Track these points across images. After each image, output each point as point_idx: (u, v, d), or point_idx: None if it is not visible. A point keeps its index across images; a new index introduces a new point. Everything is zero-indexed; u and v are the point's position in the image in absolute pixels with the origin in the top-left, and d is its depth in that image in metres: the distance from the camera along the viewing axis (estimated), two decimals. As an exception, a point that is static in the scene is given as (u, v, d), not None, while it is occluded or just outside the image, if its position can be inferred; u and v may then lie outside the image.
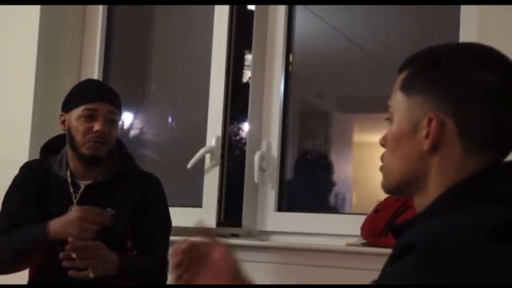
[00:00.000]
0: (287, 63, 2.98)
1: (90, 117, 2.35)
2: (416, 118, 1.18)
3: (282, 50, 2.95)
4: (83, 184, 2.39)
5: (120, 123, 3.37)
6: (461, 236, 1.02)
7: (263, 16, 2.99)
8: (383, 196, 2.58)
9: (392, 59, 2.88)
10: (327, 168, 3.11)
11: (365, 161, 3.27)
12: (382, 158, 1.26)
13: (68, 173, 2.40)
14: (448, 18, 2.67)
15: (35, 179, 2.41)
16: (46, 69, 3.17)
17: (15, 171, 2.49)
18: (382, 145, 1.27)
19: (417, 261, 1.01)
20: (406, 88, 1.21)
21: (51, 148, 2.48)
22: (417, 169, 1.18)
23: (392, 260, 1.07)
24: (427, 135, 1.16)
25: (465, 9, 2.55)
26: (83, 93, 2.40)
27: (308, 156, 3.23)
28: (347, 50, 3.10)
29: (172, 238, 2.49)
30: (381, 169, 1.26)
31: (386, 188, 1.26)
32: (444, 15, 2.76)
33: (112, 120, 2.40)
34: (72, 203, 2.36)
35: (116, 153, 2.46)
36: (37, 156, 2.52)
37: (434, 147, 1.16)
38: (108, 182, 2.39)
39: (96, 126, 2.34)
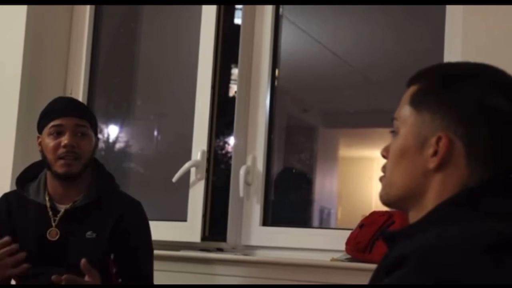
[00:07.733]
0: (273, 78, 2.99)
1: (58, 133, 2.33)
2: (424, 135, 1.18)
3: (268, 64, 2.96)
4: (62, 208, 2.36)
5: (104, 136, 3.40)
6: (455, 249, 1.02)
7: (249, 30, 2.99)
8: (368, 211, 2.58)
9: (377, 74, 2.90)
10: (312, 183, 3.11)
11: (351, 176, 3.27)
12: (384, 169, 1.26)
13: (47, 197, 2.37)
14: (433, 34, 2.68)
15: (11, 211, 2.39)
16: (30, 85, 3.15)
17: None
18: (384, 156, 1.27)
19: (408, 274, 1.01)
20: (416, 103, 1.20)
21: (27, 176, 2.44)
22: (419, 185, 1.19)
23: (381, 274, 1.06)
24: (434, 153, 1.16)
25: (449, 18, 2.56)
26: (51, 111, 2.38)
27: (294, 170, 3.23)
28: (332, 65, 3.11)
29: (157, 252, 2.48)
30: (381, 179, 1.26)
31: (385, 199, 1.26)
32: (428, 30, 2.78)
33: (82, 133, 2.35)
34: (51, 226, 2.33)
35: (94, 172, 2.42)
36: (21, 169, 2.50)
37: (440, 166, 1.16)
38: (87, 206, 2.35)
39: (64, 140, 2.31)
